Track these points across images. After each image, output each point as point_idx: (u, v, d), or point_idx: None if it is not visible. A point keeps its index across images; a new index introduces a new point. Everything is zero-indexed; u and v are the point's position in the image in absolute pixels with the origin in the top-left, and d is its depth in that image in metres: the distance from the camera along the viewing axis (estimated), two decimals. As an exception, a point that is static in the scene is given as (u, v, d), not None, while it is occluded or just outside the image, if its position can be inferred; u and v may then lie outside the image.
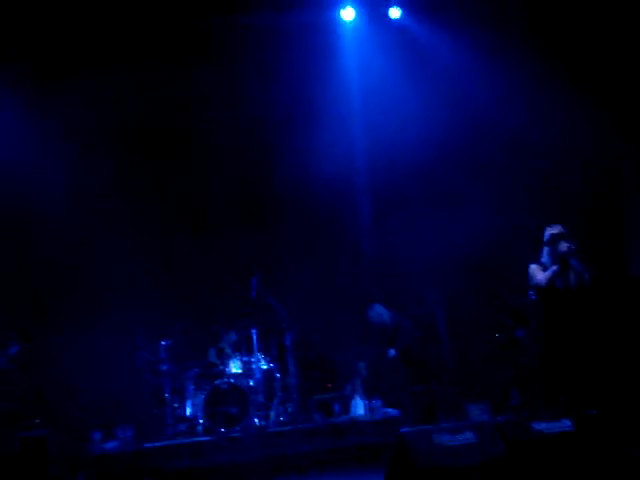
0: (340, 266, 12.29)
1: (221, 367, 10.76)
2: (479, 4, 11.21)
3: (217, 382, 10.42)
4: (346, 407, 10.79)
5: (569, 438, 6.89)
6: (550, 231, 8.64)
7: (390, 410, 10.64)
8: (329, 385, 11.44)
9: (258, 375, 10.64)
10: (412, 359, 10.76)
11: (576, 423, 7.06)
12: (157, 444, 9.94)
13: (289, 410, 10.66)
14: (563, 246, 8.43)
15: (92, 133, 11.58)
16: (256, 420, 10.30)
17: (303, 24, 11.21)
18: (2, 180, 11.01)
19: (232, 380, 10.46)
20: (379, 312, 11.13)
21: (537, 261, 8.66)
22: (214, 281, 11.77)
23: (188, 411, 10.58)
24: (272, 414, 10.57)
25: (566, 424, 7.17)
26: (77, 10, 10.66)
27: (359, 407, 10.64)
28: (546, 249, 8.61)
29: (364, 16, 11.60)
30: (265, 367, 10.78)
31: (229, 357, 10.81)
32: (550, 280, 8.39)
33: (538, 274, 8.52)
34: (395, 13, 11.57)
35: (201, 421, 10.27)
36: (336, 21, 11.61)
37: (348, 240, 12.45)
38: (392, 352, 10.86)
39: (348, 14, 11.51)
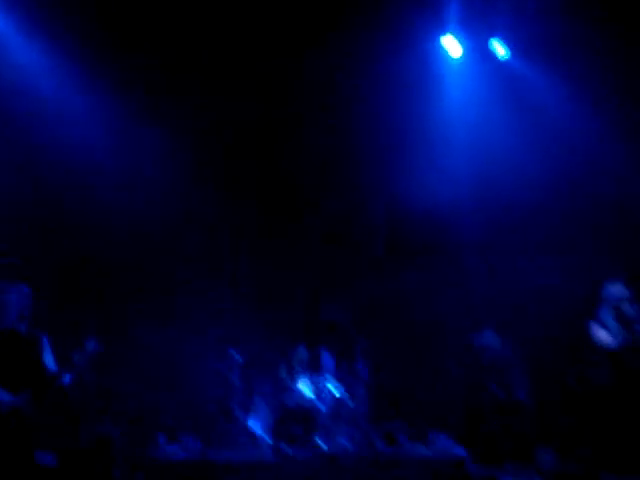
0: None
1: (289, 384, 10.75)
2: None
3: (286, 400, 10.41)
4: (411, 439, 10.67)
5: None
6: (613, 289, 8.30)
7: (458, 447, 10.49)
8: (396, 415, 11.31)
9: (327, 397, 10.58)
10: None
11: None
12: (221, 456, 9.93)
13: (356, 438, 10.56)
14: (629, 308, 8.12)
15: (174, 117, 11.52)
16: (321, 443, 10.24)
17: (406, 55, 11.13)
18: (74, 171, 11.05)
19: (300, 399, 10.43)
20: (490, 341, 10.84)
21: (596, 319, 8.33)
22: (294, 295, 11.74)
23: (255, 426, 10.57)
24: (339, 439, 10.48)
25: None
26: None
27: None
28: (608, 309, 8.25)
29: (470, 51, 11.44)
30: (335, 389, 10.71)
31: (299, 375, 10.78)
32: (620, 347, 8.08)
33: (602, 335, 8.19)
34: (501, 51, 11.38)
35: (267, 438, 10.24)
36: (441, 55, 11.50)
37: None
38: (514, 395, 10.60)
39: (455, 50, 11.37)
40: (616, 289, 8.28)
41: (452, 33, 11.19)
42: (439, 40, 11.30)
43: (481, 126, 11.68)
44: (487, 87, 11.58)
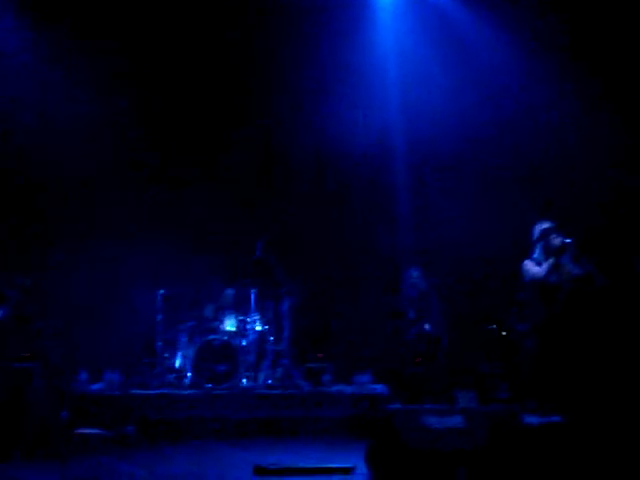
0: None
1: (216, 323, 10.74)
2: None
3: (210, 337, 10.41)
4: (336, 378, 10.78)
5: (558, 431, 6.85)
6: (541, 227, 8.55)
7: (378, 386, 10.61)
8: (320, 355, 11.39)
9: (252, 336, 10.61)
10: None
11: (566, 419, 7.04)
12: (143, 392, 9.91)
13: (278, 374, 10.61)
14: (556, 240, 8.37)
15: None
16: (244, 379, 10.28)
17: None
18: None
19: (225, 337, 10.44)
20: (416, 280, 10.87)
21: (529, 258, 8.55)
22: (220, 237, 11.68)
23: (178, 363, 10.57)
24: (261, 376, 10.54)
25: (556, 419, 7.14)
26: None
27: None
28: (538, 245, 8.51)
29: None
30: (260, 329, 10.74)
31: (225, 314, 10.78)
32: (546, 274, 8.30)
33: (533, 269, 8.42)
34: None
35: (189, 374, 10.24)
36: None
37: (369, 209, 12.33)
38: (427, 327, 10.71)
39: None
40: (545, 227, 8.48)
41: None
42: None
43: (414, 66, 11.70)
44: (421, 28, 11.53)
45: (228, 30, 11.49)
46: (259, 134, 12.06)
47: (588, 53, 11.20)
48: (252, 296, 10.65)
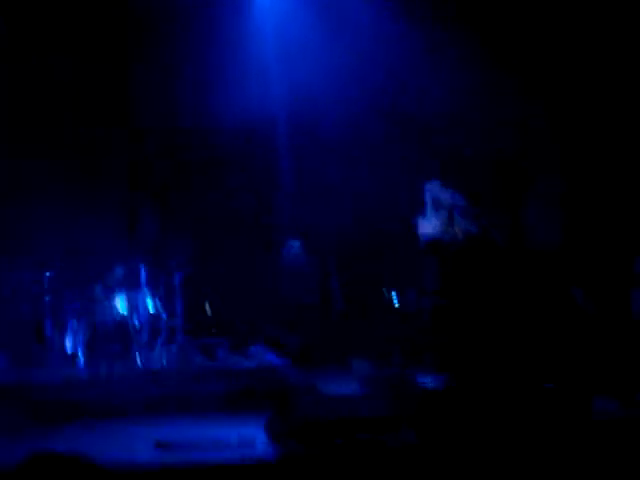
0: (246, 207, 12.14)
1: (106, 303, 10.54)
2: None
3: (100, 318, 10.23)
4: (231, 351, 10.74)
5: (453, 392, 6.96)
6: (430, 186, 8.51)
7: (274, 357, 10.60)
8: (214, 330, 11.34)
9: (143, 313, 10.47)
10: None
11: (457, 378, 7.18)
12: (34, 376, 9.68)
13: (172, 351, 10.51)
14: (446, 198, 8.36)
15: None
16: (138, 359, 10.15)
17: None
18: None
19: (116, 316, 10.28)
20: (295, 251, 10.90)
21: (422, 217, 8.50)
22: (106, 214, 11.46)
23: (69, 345, 10.36)
24: (155, 354, 10.42)
25: (447, 378, 7.27)
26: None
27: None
28: (429, 204, 8.46)
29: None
30: (151, 306, 10.60)
31: (115, 293, 10.60)
32: (438, 232, 8.31)
33: (425, 229, 8.41)
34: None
35: (81, 356, 10.05)
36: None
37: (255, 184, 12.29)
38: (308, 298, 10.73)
39: None
40: (434, 186, 8.51)
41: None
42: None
43: (297, 44, 11.67)
44: (302, 7, 11.47)
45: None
46: (132, 107, 11.85)
47: (477, 21, 11.34)
48: (142, 272, 10.50)
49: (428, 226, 8.39)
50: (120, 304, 10.50)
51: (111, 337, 10.05)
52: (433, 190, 8.46)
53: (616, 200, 10.05)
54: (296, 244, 10.81)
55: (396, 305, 11.13)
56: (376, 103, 11.85)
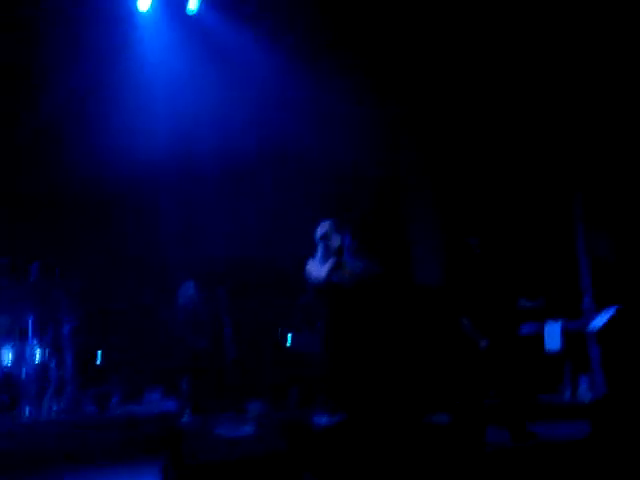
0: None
1: (-9, 354, 10.27)
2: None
3: (-14, 369, 9.97)
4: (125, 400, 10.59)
5: (346, 429, 6.99)
6: (322, 227, 8.41)
7: (169, 402, 10.50)
8: (107, 378, 11.15)
9: (32, 364, 10.20)
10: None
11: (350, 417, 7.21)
12: None
13: (63, 402, 10.27)
14: (336, 240, 8.29)
15: None
16: (27, 411, 9.87)
17: (97, 11, 10.76)
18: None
19: (3, 368, 10.01)
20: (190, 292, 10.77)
21: (312, 257, 8.41)
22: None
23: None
24: (45, 405, 10.16)
25: (342, 417, 7.29)
26: None
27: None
28: (320, 246, 8.37)
29: (161, 7, 11.10)
30: (40, 356, 10.35)
31: (2, 344, 10.31)
32: (328, 274, 8.21)
33: (315, 270, 8.33)
34: (193, 5, 11.14)
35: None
36: (132, 11, 11.02)
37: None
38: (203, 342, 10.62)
39: (143, 4, 10.94)
40: (325, 226, 8.40)
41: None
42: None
43: (177, 78, 11.68)
44: (180, 41, 11.47)
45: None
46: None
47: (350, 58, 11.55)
48: (30, 322, 10.26)
49: (317, 267, 8.36)
50: (6, 355, 10.22)
51: (-1, 389, 9.80)
52: (322, 231, 8.44)
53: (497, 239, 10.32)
54: (190, 285, 10.72)
55: (289, 346, 11.13)
56: (263, 143, 11.98)
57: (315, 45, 11.59)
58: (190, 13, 11.28)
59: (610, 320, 9.64)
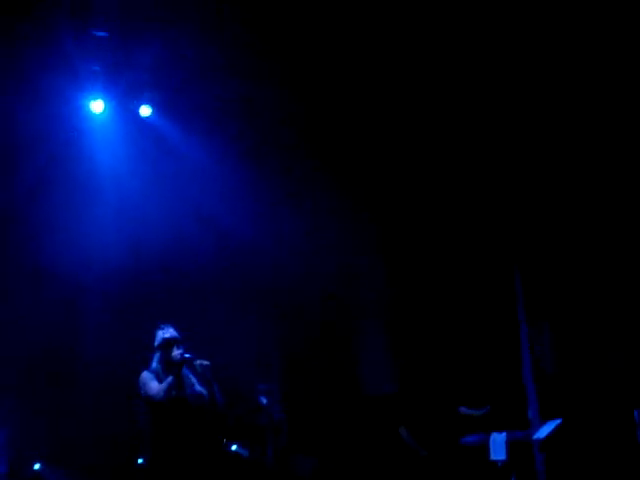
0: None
1: None
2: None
3: None
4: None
5: None
6: (162, 334, 7.77)
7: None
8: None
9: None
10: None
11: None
12: None
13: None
14: (176, 353, 7.61)
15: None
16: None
17: (48, 114, 10.83)
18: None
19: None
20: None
21: (148, 368, 7.76)
22: None
23: None
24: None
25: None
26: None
27: None
28: (157, 354, 7.75)
29: (114, 110, 11.23)
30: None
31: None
32: (166, 394, 7.45)
33: (152, 386, 7.57)
34: (145, 111, 11.32)
35: None
36: (85, 112, 11.16)
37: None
38: None
39: (97, 106, 11.06)
40: (167, 336, 7.78)
41: (96, 93, 10.93)
42: (83, 99, 11.02)
43: (128, 182, 11.76)
44: (133, 144, 11.58)
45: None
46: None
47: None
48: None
49: (155, 383, 7.68)
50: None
51: None
52: (165, 340, 7.82)
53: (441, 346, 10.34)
54: None
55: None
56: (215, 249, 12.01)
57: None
58: (144, 117, 11.41)
59: (555, 430, 9.60)
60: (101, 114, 11.20)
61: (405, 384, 8.80)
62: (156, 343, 7.78)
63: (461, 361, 10.81)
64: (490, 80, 10.15)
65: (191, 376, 7.68)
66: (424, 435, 8.48)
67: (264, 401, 10.67)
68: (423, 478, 8.64)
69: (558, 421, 9.66)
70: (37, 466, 11.15)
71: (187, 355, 7.60)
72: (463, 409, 8.98)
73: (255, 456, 10.54)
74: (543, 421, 10.18)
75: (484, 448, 9.87)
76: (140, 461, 10.74)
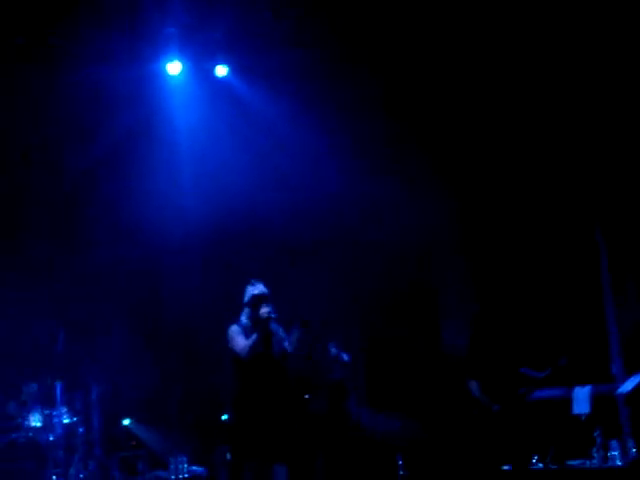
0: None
1: (20, 420, 10.26)
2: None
3: (14, 436, 9.97)
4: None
5: None
6: (252, 291, 7.76)
7: (197, 468, 10.50)
8: (133, 443, 11.16)
9: (59, 430, 10.21)
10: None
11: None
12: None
13: (90, 467, 10.26)
14: (263, 311, 7.57)
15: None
16: (54, 477, 9.88)
17: (128, 77, 10.95)
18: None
19: (30, 434, 10.02)
20: None
21: (237, 322, 7.75)
22: (19, 330, 11.24)
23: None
24: (72, 471, 10.14)
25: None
26: None
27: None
28: (246, 310, 7.74)
29: (191, 71, 11.30)
30: (67, 421, 10.36)
31: (30, 410, 10.33)
32: (251, 351, 7.45)
33: (239, 341, 7.58)
34: (221, 71, 11.39)
35: (-5, 477, 9.76)
36: (163, 75, 11.26)
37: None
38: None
39: (174, 68, 11.16)
40: (256, 292, 7.74)
41: (173, 54, 11.02)
42: (161, 61, 11.13)
43: (207, 142, 11.84)
44: (210, 105, 11.63)
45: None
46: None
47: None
48: (57, 389, 10.29)
49: (241, 338, 7.65)
50: (34, 421, 10.23)
51: (24, 456, 9.79)
52: (254, 297, 7.81)
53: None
54: None
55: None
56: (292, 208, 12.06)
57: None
58: (221, 78, 11.49)
59: (640, 384, 9.53)
60: (178, 75, 11.30)
61: (478, 338, 8.72)
62: (245, 299, 7.79)
63: (543, 316, 10.76)
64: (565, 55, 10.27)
65: (281, 332, 7.71)
66: (496, 390, 8.43)
67: (345, 357, 10.71)
68: (497, 435, 8.60)
69: (643, 375, 9.58)
70: (127, 421, 11.46)
71: (273, 315, 7.60)
72: (525, 370, 8.90)
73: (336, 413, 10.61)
74: (627, 376, 10.08)
75: (558, 404, 9.86)
76: (224, 417, 10.88)
